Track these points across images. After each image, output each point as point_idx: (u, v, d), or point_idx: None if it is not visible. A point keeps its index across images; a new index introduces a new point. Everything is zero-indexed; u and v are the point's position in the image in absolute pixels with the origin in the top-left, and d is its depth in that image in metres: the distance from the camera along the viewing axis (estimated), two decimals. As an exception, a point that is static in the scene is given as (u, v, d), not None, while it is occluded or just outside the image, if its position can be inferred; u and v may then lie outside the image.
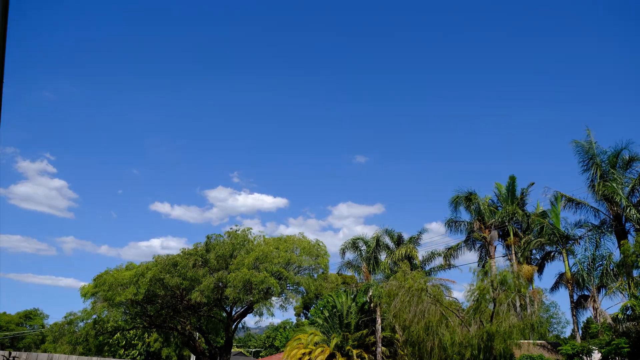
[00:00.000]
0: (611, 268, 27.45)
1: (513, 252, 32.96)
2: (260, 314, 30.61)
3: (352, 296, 33.31)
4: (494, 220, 33.90)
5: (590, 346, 21.62)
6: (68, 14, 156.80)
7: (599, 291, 28.20)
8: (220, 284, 28.35)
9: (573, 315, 30.27)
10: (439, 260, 35.09)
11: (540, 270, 34.51)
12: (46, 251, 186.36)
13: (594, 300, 27.58)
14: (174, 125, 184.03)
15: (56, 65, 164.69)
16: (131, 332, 46.43)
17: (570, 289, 30.07)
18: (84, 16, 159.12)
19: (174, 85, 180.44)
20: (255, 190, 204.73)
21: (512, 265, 31.59)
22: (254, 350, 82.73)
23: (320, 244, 32.06)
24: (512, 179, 35.27)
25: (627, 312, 22.47)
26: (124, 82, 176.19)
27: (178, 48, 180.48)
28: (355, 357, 28.80)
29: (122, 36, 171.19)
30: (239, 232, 31.20)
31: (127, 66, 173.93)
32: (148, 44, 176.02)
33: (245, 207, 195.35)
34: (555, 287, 33.13)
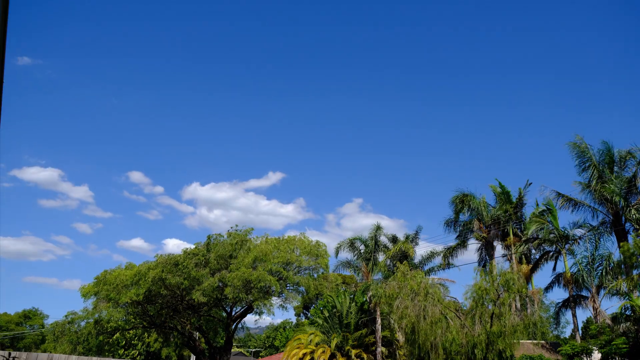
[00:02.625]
0: (610, 268, 27.50)
1: (512, 252, 33.00)
2: (260, 313, 30.66)
3: (352, 296, 33.34)
4: (493, 220, 33.95)
5: (590, 346, 21.67)
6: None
7: (598, 291, 28.24)
8: (221, 284, 28.39)
9: (573, 315, 30.33)
10: (438, 260, 35.16)
11: (537, 270, 34.54)
12: (47, 251, 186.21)
13: (594, 300, 27.63)
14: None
15: (66, 64, 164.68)
16: (131, 332, 46.42)
17: (570, 289, 30.10)
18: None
19: (186, 86, 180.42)
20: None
21: (511, 266, 31.64)
22: (253, 350, 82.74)
23: (321, 244, 32.11)
24: (502, 185, 35.60)
25: (627, 312, 22.52)
26: (149, 81, 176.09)
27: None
28: (354, 357, 28.84)
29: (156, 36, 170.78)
30: (239, 232, 31.22)
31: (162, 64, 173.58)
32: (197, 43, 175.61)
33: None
34: (549, 287, 33.15)
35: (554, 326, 35.69)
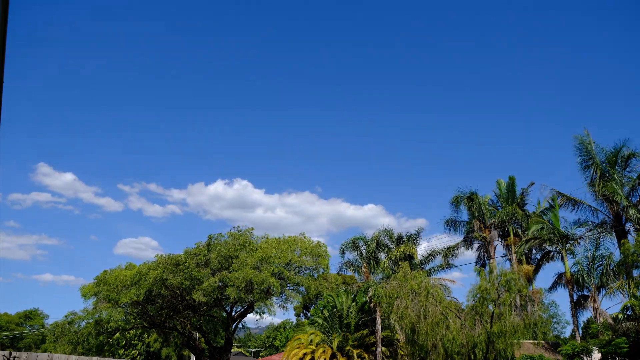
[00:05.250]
0: (611, 268, 27.51)
1: (513, 252, 33.01)
2: (262, 313, 30.74)
3: (352, 296, 33.34)
4: (494, 220, 33.95)
5: (590, 346, 21.66)
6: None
7: (598, 291, 28.25)
8: (221, 284, 28.39)
9: (573, 315, 30.33)
10: (439, 260, 35.16)
11: (538, 270, 34.56)
12: (47, 248, 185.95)
13: (594, 300, 27.65)
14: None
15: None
16: (131, 332, 46.46)
17: (570, 288, 30.12)
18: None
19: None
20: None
21: (512, 265, 31.66)
22: (254, 350, 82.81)
23: (321, 244, 32.12)
24: (512, 179, 35.32)
25: (627, 312, 22.54)
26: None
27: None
28: (355, 357, 28.85)
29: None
30: (241, 232, 31.23)
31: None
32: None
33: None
34: (553, 287, 33.19)
35: (558, 326, 35.61)
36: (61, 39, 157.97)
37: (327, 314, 33.34)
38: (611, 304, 78.40)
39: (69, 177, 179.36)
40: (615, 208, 28.42)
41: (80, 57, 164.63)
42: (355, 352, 29.17)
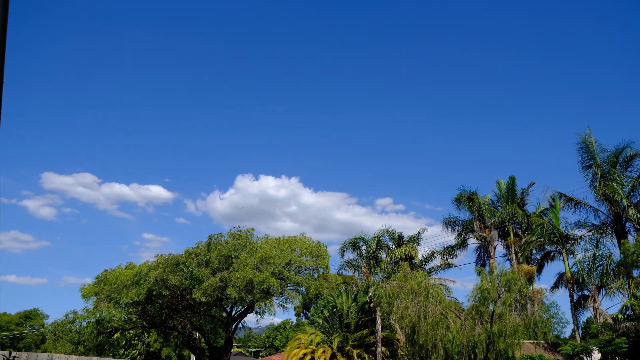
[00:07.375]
0: (611, 268, 27.51)
1: (513, 252, 33.01)
2: (262, 313, 30.81)
3: (352, 296, 33.33)
4: (494, 219, 33.95)
5: (590, 346, 21.67)
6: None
7: (599, 291, 28.26)
8: (221, 284, 28.43)
9: (573, 315, 30.33)
10: (439, 260, 35.15)
11: (540, 270, 34.57)
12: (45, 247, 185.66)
13: (594, 300, 27.66)
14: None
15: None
16: (131, 332, 46.47)
17: (570, 289, 30.12)
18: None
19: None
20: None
21: (512, 266, 31.66)
22: (254, 350, 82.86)
23: (321, 244, 32.15)
24: (512, 179, 35.35)
25: (627, 312, 22.54)
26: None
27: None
28: (355, 357, 28.86)
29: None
30: (241, 232, 31.25)
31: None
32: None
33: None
34: (555, 287, 33.20)
35: (558, 326, 35.57)
36: (68, 41, 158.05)
37: (327, 314, 33.34)
38: (611, 304, 78.50)
39: (77, 178, 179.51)
40: (616, 208, 28.43)
41: (87, 58, 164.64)
42: (355, 352, 29.18)
